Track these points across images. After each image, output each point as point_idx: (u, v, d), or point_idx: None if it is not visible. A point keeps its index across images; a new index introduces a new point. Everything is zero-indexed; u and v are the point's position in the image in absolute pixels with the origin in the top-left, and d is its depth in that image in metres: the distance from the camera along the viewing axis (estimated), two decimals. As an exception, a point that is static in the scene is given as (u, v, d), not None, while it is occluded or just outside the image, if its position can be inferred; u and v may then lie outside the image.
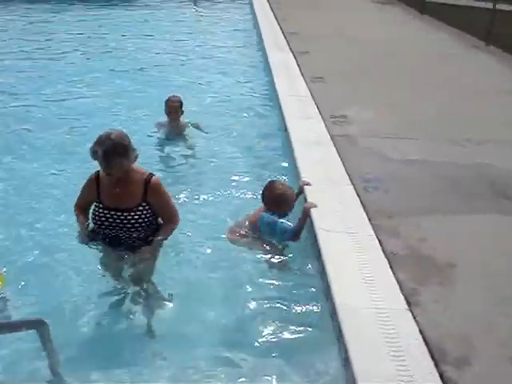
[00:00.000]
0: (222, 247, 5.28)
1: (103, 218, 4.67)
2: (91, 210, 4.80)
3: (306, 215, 5.18)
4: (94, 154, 4.44)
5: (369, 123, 7.79)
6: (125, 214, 4.65)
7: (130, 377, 3.97)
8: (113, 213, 4.65)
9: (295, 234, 5.14)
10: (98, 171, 4.66)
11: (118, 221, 4.66)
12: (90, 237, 4.79)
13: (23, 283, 4.79)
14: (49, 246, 5.35)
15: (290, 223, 5.23)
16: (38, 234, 5.54)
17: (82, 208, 4.90)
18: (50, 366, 3.83)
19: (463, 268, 4.64)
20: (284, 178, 6.32)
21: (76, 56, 12.65)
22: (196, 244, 5.31)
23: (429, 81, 10.12)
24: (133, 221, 4.66)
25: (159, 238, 4.80)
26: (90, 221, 4.82)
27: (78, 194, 4.91)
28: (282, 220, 5.22)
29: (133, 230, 4.69)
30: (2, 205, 6.12)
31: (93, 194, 4.72)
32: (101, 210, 4.68)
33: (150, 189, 4.68)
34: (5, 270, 4.62)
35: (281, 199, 5.29)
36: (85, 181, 4.83)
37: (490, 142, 7.31)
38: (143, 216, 4.69)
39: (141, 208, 4.68)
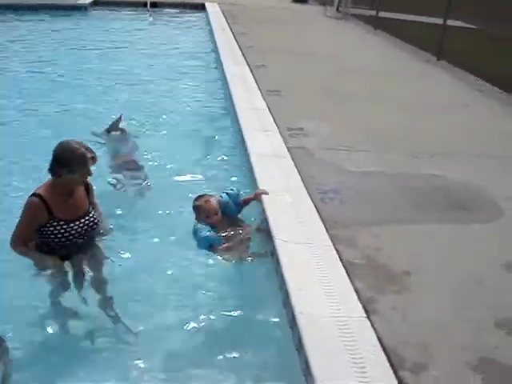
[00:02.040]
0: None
1: (76, 231, 4.65)
2: (46, 231, 4.57)
3: (253, 198, 5.81)
4: (91, 159, 4.55)
5: (325, 136, 7.88)
6: (86, 218, 4.75)
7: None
8: (77, 222, 4.66)
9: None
10: (36, 194, 4.50)
11: (85, 227, 4.72)
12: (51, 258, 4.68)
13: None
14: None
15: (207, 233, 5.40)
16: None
17: (25, 241, 4.61)
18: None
19: (419, 276, 4.72)
20: (244, 190, 6.30)
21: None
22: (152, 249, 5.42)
23: (383, 95, 10.30)
24: (95, 220, 4.84)
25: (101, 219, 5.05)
26: (48, 241, 4.63)
27: (17, 229, 4.58)
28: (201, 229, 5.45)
29: (96, 227, 4.86)
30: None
31: (43, 217, 4.50)
32: (65, 226, 4.59)
33: (90, 189, 4.91)
34: None
35: (196, 210, 5.64)
36: (22, 211, 4.56)
37: (443, 154, 7.49)
38: (94, 212, 4.89)
39: (90, 207, 4.87)
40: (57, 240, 4.60)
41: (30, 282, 4.82)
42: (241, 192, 5.89)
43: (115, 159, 7.33)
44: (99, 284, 4.82)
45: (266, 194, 5.75)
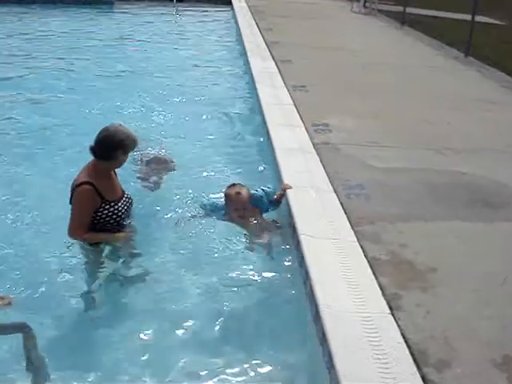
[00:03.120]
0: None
1: (122, 210, 4.90)
2: (100, 215, 4.76)
3: (282, 194, 5.82)
4: (134, 145, 4.81)
5: (351, 131, 7.87)
6: (125, 196, 5.01)
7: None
8: (122, 201, 4.92)
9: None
10: (85, 182, 4.64)
11: (127, 205, 5.02)
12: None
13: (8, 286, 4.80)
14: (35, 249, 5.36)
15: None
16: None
17: (86, 229, 4.75)
18: (33, 371, 3.85)
19: (444, 273, 4.71)
20: (268, 186, 6.31)
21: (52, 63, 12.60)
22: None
23: (409, 91, 10.25)
24: (131, 198, 5.12)
25: None
26: (103, 223, 4.83)
27: (76, 219, 4.71)
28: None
29: (131, 208, 5.14)
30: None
31: (97, 202, 4.70)
32: (116, 206, 4.83)
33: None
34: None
35: (226, 198, 5.70)
36: (75, 201, 4.70)
37: (469, 150, 7.45)
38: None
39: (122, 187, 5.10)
40: (112, 221, 4.82)
41: (57, 271, 4.98)
42: (276, 191, 5.91)
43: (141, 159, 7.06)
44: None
45: (290, 188, 5.79)
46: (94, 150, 4.69)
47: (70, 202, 4.73)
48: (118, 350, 4.26)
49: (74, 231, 4.72)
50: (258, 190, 5.79)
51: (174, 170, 6.83)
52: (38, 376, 3.87)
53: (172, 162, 6.96)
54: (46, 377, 3.90)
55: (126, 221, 5.01)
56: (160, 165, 6.83)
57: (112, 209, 4.77)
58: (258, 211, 5.68)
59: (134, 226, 5.19)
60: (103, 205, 4.71)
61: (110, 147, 4.67)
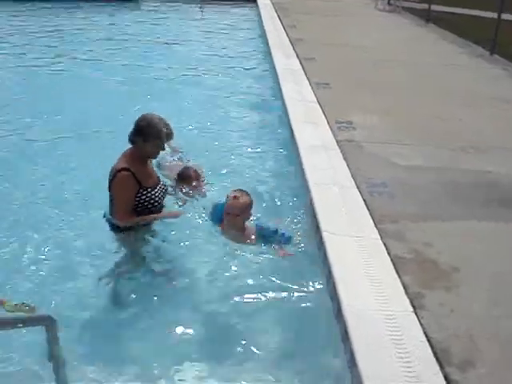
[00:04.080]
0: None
1: (159, 196, 5.01)
2: (139, 200, 4.87)
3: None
4: (165, 134, 4.89)
5: (374, 129, 7.84)
6: (160, 183, 5.14)
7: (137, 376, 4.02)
8: (157, 188, 5.02)
9: None
10: (123, 168, 4.76)
11: (163, 191, 5.15)
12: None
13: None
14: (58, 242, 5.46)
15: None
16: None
17: (131, 214, 4.90)
18: (55, 363, 3.87)
19: (467, 272, 4.67)
20: (292, 182, 6.32)
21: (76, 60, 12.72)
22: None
23: (434, 89, 10.16)
24: (166, 185, 5.32)
25: None
26: (142, 209, 4.94)
27: (120, 205, 4.87)
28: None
29: (165, 196, 5.25)
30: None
31: (135, 187, 4.82)
32: (153, 192, 4.95)
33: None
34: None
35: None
36: (115, 188, 4.83)
37: (493, 149, 7.36)
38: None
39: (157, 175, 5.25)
40: (150, 206, 4.92)
41: (84, 264, 5.07)
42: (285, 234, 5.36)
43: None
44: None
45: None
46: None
47: (109, 189, 4.85)
48: (144, 343, 4.31)
49: (122, 217, 4.88)
50: (263, 225, 5.39)
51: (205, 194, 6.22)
52: (60, 369, 3.89)
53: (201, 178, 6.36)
54: (67, 370, 3.93)
55: (160, 208, 5.09)
56: (190, 183, 6.17)
57: (149, 194, 4.88)
58: (254, 233, 5.37)
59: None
60: (141, 190, 4.83)
61: (133, 132, 4.83)
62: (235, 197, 5.23)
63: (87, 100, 9.60)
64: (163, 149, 5.02)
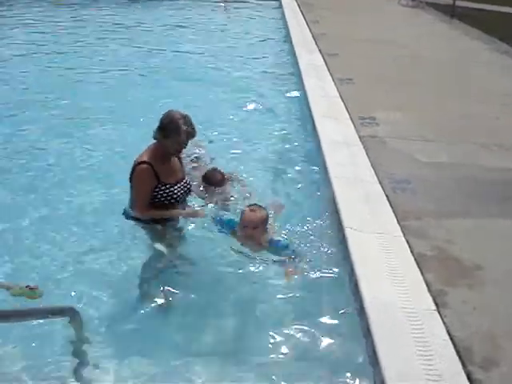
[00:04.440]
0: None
1: (178, 193, 4.96)
2: (156, 195, 4.86)
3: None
4: (185, 132, 4.78)
5: (397, 125, 7.80)
6: (183, 181, 5.07)
7: (159, 371, 4.04)
8: (178, 185, 4.98)
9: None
10: (143, 161, 4.77)
11: (184, 189, 5.08)
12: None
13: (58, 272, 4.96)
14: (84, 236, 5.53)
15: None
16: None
17: (148, 207, 4.90)
18: (79, 354, 3.92)
19: (490, 270, 4.64)
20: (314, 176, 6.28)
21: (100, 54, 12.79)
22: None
23: (457, 86, 10.08)
24: (190, 184, 5.22)
25: None
26: (159, 204, 4.92)
27: (138, 198, 4.87)
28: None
29: (190, 191, 5.26)
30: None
31: (153, 182, 4.81)
32: (172, 188, 4.92)
33: (181, 161, 5.24)
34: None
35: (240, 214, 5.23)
36: (134, 181, 4.84)
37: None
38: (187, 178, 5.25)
39: (184, 173, 5.21)
40: (166, 202, 4.90)
41: (107, 258, 5.12)
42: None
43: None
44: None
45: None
46: None
47: (130, 181, 4.89)
48: (166, 337, 4.35)
49: (138, 209, 4.90)
50: (280, 242, 5.19)
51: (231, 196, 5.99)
52: (83, 360, 3.93)
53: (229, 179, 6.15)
54: (90, 361, 3.97)
55: (181, 205, 5.07)
56: (215, 187, 5.95)
57: (167, 191, 4.87)
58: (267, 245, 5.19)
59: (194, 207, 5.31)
60: (159, 185, 4.82)
61: (157, 128, 4.84)
62: (252, 210, 5.12)
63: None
64: (183, 146, 4.97)
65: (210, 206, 5.62)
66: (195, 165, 6.38)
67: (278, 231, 5.36)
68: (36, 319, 3.86)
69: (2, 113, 8.78)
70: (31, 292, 4.05)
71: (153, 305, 4.68)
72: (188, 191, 5.18)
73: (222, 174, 6.01)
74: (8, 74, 11.00)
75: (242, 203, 5.62)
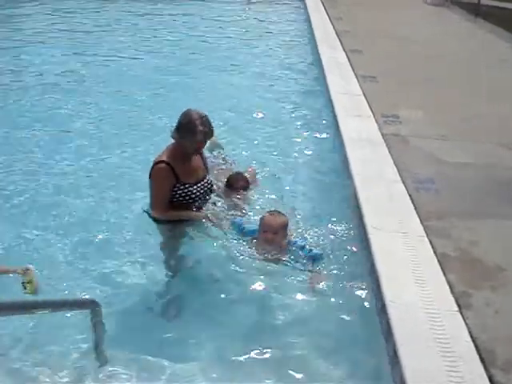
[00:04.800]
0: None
1: (197, 193, 4.93)
2: (174, 194, 4.84)
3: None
4: (202, 132, 4.72)
5: (421, 124, 7.73)
6: (204, 180, 5.05)
7: (178, 367, 4.04)
8: (199, 185, 4.95)
9: None
10: (161, 161, 4.75)
11: (205, 189, 5.05)
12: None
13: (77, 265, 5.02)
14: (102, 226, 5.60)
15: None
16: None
17: (167, 207, 4.87)
18: (99, 347, 3.94)
19: (514, 272, 4.59)
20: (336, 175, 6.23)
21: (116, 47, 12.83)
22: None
23: (481, 85, 9.96)
24: (212, 183, 5.21)
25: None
26: (177, 204, 4.90)
27: (156, 198, 4.87)
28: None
29: (213, 190, 5.24)
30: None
31: (172, 181, 4.78)
32: (191, 188, 4.89)
33: (203, 154, 5.22)
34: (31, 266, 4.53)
35: (260, 221, 5.10)
36: (152, 180, 4.83)
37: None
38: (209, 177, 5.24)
39: (206, 172, 5.19)
40: (185, 202, 4.88)
41: (128, 251, 5.20)
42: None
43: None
44: None
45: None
46: None
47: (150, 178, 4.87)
48: (185, 333, 4.36)
49: (155, 209, 4.90)
50: (298, 241, 5.07)
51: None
52: (102, 353, 3.95)
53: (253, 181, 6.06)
54: (109, 354, 3.99)
55: (202, 205, 5.03)
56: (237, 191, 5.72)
57: (186, 190, 4.84)
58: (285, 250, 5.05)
59: (216, 211, 5.19)
60: (178, 185, 4.80)
61: (175, 126, 4.82)
62: (272, 214, 5.03)
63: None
64: (201, 146, 4.93)
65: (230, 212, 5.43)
66: (223, 167, 6.30)
67: (299, 232, 5.30)
68: (58, 311, 3.87)
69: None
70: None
71: (169, 305, 4.71)
72: (209, 191, 5.14)
73: (246, 180, 5.85)
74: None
75: (261, 209, 5.49)
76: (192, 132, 4.71)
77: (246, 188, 5.75)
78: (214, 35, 14.20)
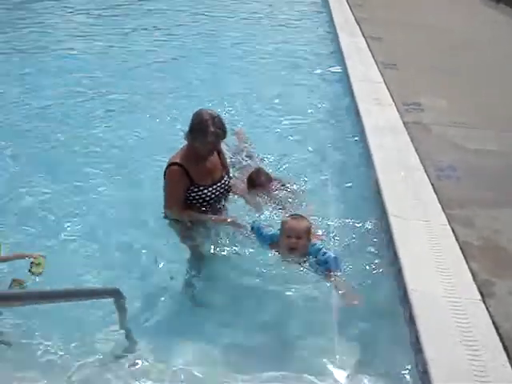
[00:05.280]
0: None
1: (212, 196, 4.83)
2: (188, 197, 4.76)
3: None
4: (213, 133, 4.59)
5: (442, 111, 7.68)
6: (221, 182, 4.93)
7: (200, 353, 4.11)
8: (214, 186, 4.84)
9: None
10: (174, 162, 4.67)
11: (222, 190, 4.93)
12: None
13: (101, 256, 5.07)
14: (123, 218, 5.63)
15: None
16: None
17: (182, 206, 4.79)
18: (124, 336, 3.99)
19: (538, 262, 4.56)
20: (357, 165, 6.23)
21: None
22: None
23: (502, 72, 9.86)
24: (229, 184, 5.05)
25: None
26: (192, 206, 4.82)
27: (170, 198, 4.77)
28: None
29: (230, 191, 5.10)
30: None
31: (186, 184, 4.69)
32: (205, 190, 4.79)
33: (221, 153, 5.06)
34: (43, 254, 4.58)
35: (281, 225, 4.84)
36: (165, 183, 4.76)
37: None
38: (227, 178, 5.08)
39: (224, 173, 5.02)
40: (198, 205, 4.79)
41: (151, 244, 5.19)
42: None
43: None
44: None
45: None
46: None
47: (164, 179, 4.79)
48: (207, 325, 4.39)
49: (169, 209, 4.81)
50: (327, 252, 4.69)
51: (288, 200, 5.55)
52: (127, 338, 4.01)
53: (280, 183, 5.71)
54: (133, 343, 4.04)
55: (216, 207, 4.93)
56: (260, 190, 5.48)
57: (200, 193, 4.75)
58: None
59: (231, 215, 5.06)
60: (191, 187, 4.72)
61: (188, 129, 4.70)
62: (295, 218, 4.75)
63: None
64: (213, 147, 4.78)
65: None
66: (245, 163, 6.10)
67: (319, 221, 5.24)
68: (81, 300, 3.90)
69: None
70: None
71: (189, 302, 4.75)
72: (227, 192, 5.03)
73: (268, 176, 5.58)
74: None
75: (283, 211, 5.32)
76: (203, 133, 4.58)
77: (266, 185, 5.47)
78: (223, 19, 14.15)
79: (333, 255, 4.64)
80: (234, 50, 11.77)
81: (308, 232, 4.71)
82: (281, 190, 5.59)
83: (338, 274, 4.55)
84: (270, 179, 5.55)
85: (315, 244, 4.76)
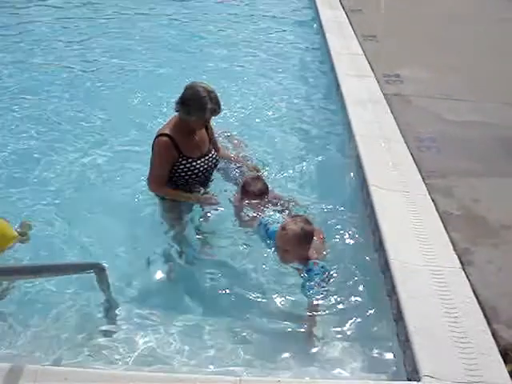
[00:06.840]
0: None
1: (200, 168, 4.82)
2: (176, 169, 4.73)
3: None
4: (210, 109, 4.58)
5: (423, 83, 7.66)
6: (209, 155, 4.92)
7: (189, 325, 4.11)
8: (203, 159, 4.84)
9: None
10: (163, 133, 4.63)
11: (210, 164, 4.93)
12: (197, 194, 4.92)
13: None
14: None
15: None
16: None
17: (164, 182, 4.75)
18: (107, 309, 3.99)
19: (517, 230, 4.59)
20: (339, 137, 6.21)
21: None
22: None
23: (487, 44, 9.78)
24: (216, 158, 5.03)
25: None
26: (178, 179, 4.80)
27: (154, 171, 4.73)
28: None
29: (217, 165, 5.09)
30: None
31: (174, 156, 4.66)
32: (194, 163, 4.77)
33: (210, 128, 5.01)
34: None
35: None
36: (153, 153, 4.71)
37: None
38: (214, 151, 5.05)
39: (211, 146, 5.00)
40: (187, 177, 4.78)
41: (132, 220, 5.18)
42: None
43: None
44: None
45: None
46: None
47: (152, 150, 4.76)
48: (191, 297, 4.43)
49: (151, 184, 4.79)
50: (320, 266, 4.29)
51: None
52: (110, 311, 4.01)
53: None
54: (116, 315, 4.04)
55: (204, 180, 4.94)
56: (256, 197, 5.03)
57: (189, 165, 4.73)
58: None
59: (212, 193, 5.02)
60: (180, 159, 4.69)
61: (178, 101, 4.64)
62: (283, 228, 4.23)
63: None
64: (207, 122, 4.81)
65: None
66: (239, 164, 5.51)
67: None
68: (64, 274, 3.90)
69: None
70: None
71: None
72: (214, 166, 5.00)
73: (265, 185, 5.10)
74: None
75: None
76: (201, 110, 4.55)
77: (262, 194, 5.02)
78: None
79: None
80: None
81: (299, 240, 4.20)
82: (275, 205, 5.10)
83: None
84: (266, 189, 5.09)
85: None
